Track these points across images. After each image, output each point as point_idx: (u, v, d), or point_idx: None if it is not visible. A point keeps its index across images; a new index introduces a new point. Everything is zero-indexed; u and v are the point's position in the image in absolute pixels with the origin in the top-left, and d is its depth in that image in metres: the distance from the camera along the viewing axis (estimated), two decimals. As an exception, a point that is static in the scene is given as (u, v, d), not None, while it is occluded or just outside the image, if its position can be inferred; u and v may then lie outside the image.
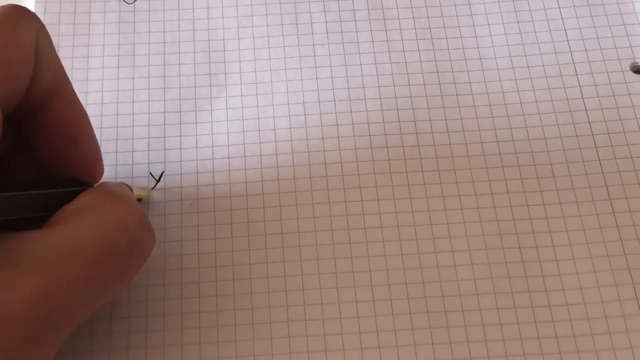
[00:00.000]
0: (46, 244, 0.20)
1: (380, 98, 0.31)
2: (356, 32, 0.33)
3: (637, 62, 0.32)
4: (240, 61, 0.32)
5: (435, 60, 0.32)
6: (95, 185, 0.25)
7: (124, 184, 0.27)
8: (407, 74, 0.32)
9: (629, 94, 0.31)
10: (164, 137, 0.30)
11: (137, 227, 0.22)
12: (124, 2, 0.33)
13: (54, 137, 0.24)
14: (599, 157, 0.30)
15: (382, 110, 0.31)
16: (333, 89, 0.31)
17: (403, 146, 0.30)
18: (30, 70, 0.22)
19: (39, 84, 0.22)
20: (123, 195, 0.23)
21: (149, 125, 0.30)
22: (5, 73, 0.20)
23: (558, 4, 0.33)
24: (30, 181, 0.24)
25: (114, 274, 0.21)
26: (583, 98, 0.31)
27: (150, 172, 0.29)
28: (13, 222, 0.21)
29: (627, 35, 0.33)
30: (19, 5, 0.22)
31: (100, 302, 0.21)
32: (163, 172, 0.29)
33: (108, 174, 0.29)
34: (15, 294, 0.18)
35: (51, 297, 0.19)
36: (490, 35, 0.33)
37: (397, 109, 0.31)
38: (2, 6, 0.22)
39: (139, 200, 0.28)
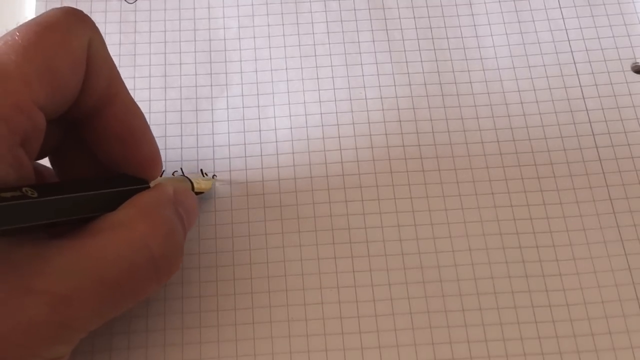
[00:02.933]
0: (72, 256, 0.20)
1: (381, 98, 0.31)
2: (357, 31, 0.33)
3: (638, 62, 0.32)
4: (241, 61, 0.32)
5: (436, 60, 0.32)
6: (152, 182, 0.25)
7: (185, 178, 0.27)
8: (408, 73, 0.32)
9: (630, 94, 0.31)
10: (165, 136, 0.30)
11: (161, 254, 0.22)
12: (125, 2, 0.33)
13: (112, 140, 0.24)
14: (599, 157, 0.30)
15: (382, 110, 0.31)
16: (334, 88, 0.31)
17: (404, 146, 0.30)
18: (80, 78, 0.22)
19: (91, 90, 0.22)
20: (160, 218, 0.23)
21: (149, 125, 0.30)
22: (53, 82, 0.21)
23: (559, 4, 0.33)
24: (86, 177, 0.24)
25: (131, 292, 0.22)
26: (584, 98, 0.31)
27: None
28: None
29: (628, 35, 0.33)
30: (73, 9, 0.22)
31: (116, 313, 0.22)
32: (164, 170, 0.29)
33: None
34: (38, 299, 0.19)
35: (70, 305, 0.20)
36: (491, 35, 0.33)
37: (398, 109, 0.31)
38: (56, 10, 0.21)
39: (201, 193, 0.28)
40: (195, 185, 0.27)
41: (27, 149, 0.21)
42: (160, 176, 0.27)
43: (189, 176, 0.28)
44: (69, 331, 0.20)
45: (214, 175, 0.29)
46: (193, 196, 0.26)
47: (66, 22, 0.21)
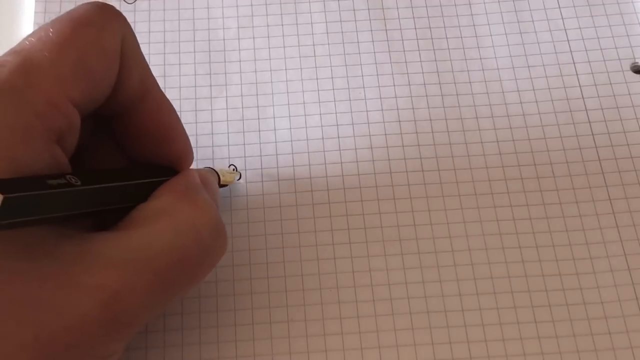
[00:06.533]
0: (119, 248, 0.20)
1: (381, 98, 0.31)
2: (356, 32, 0.33)
3: (638, 62, 0.32)
4: (240, 61, 0.32)
5: (436, 60, 0.32)
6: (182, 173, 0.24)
7: (212, 170, 0.27)
8: (407, 73, 0.32)
9: (629, 94, 0.31)
10: (164, 137, 0.30)
11: (209, 235, 0.22)
12: (124, 2, 0.33)
13: (144, 136, 0.23)
14: (599, 157, 0.30)
15: (382, 110, 0.31)
16: (333, 89, 0.31)
17: (403, 146, 0.30)
18: (113, 75, 0.21)
19: (124, 87, 0.22)
20: (200, 199, 0.23)
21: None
22: (86, 79, 0.20)
23: (558, 4, 0.33)
24: (114, 168, 0.24)
25: (183, 280, 0.21)
26: (583, 98, 0.31)
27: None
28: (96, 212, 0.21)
29: (628, 35, 0.33)
30: (106, 5, 0.21)
31: (168, 304, 0.22)
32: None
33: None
34: (88, 296, 0.18)
35: (121, 300, 0.19)
36: (491, 35, 0.33)
37: (397, 109, 0.31)
38: (89, 5, 0.21)
39: (225, 186, 0.28)
40: (221, 178, 0.27)
41: (62, 147, 0.20)
42: None
43: (214, 168, 0.28)
44: (121, 327, 0.19)
45: (234, 168, 0.30)
46: (216, 184, 0.26)
47: (100, 18, 0.21)
